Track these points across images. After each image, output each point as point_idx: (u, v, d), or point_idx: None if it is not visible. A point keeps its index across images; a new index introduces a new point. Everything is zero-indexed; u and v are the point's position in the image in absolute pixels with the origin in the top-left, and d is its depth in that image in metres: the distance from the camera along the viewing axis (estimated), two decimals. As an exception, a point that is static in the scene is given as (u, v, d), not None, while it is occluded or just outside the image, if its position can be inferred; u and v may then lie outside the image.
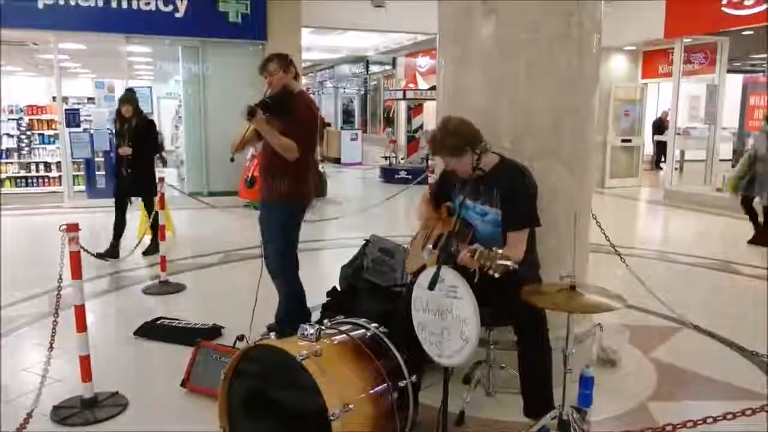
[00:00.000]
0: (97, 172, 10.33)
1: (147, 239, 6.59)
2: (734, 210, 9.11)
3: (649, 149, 15.45)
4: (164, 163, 13.73)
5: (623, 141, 12.63)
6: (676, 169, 11.56)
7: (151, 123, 6.64)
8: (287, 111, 3.58)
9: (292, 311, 3.82)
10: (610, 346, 3.72)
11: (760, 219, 7.18)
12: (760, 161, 6.83)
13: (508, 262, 2.37)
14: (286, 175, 3.64)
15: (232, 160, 3.72)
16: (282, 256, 3.77)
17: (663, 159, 14.72)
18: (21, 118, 11.61)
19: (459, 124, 2.79)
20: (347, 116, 24.63)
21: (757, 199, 7.07)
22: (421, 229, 3.17)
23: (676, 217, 9.69)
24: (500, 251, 2.42)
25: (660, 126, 15.26)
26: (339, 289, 4.23)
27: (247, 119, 3.42)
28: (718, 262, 6.43)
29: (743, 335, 4.14)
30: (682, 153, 12.63)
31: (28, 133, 11.61)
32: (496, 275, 2.37)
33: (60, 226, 3.08)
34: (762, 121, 7.57)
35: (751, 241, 7.13)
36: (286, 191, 3.67)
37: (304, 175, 3.73)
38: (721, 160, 11.30)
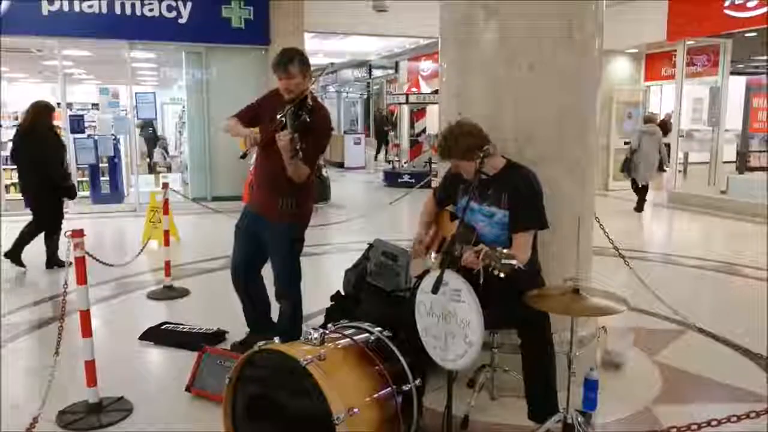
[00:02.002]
0: (101, 178, 10.38)
1: (153, 244, 6.62)
2: (738, 212, 9.11)
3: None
4: (169, 169, 13.79)
5: (626, 143, 12.60)
6: (679, 171, 11.52)
7: None
8: (308, 129, 3.27)
9: (296, 320, 3.74)
10: (615, 349, 3.71)
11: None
12: (635, 152, 9.44)
13: (514, 261, 2.37)
14: (295, 193, 3.43)
15: (243, 156, 3.41)
16: (291, 273, 3.63)
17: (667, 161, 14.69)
18: (26, 125, 11.65)
19: (466, 129, 2.81)
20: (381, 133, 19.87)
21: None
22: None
23: (680, 220, 9.67)
24: (505, 250, 2.42)
25: (663, 128, 15.24)
26: (343, 293, 4.23)
27: (294, 157, 3.13)
28: (723, 264, 6.41)
29: (748, 338, 4.13)
30: (686, 155, 12.58)
31: (33, 139, 11.64)
32: (502, 275, 2.37)
33: (65, 232, 3.10)
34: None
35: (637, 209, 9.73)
36: (294, 210, 3.47)
37: (311, 190, 3.59)
38: (724, 162, 11.26)
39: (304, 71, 3.29)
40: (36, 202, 5.93)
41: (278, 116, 3.26)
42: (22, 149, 5.94)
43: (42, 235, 5.96)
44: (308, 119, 3.27)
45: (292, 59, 3.26)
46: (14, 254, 5.95)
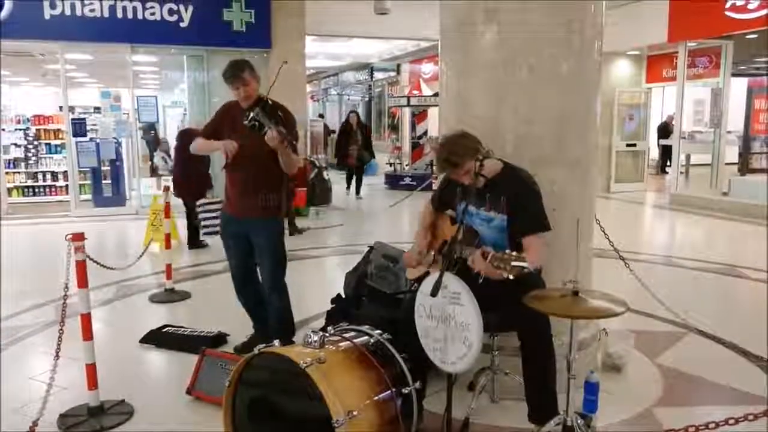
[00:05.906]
0: (103, 181, 10.40)
1: (154, 247, 6.63)
2: (740, 214, 9.09)
3: (654, 153, 15.42)
4: (170, 172, 13.79)
5: (628, 145, 12.61)
6: (681, 173, 11.50)
7: None
8: (283, 123, 3.44)
9: (287, 321, 3.80)
10: (616, 351, 3.71)
11: None
12: None
13: (524, 263, 2.37)
14: (276, 188, 3.62)
15: (225, 166, 3.65)
16: (278, 270, 3.73)
17: (668, 163, 14.69)
18: (28, 128, 11.71)
19: (456, 140, 2.81)
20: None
21: None
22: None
23: (682, 222, 9.66)
24: (514, 253, 2.42)
25: (665, 130, 15.22)
26: (343, 296, 4.23)
27: (288, 147, 3.33)
28: (724, 266, 6.40)
29: (748, 340, 4.12)
30: (688, 157, 12.59)
31: (35, 142, 11.72)
32: (511, 277, 2.37)
33: (66, 236, 3.11)
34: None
35: None
36: (275, 204, 3.64)
37: (282, 183, 3.70)
38: (726, 164, 11.25)
39: (255, 76, 3.54)
40: None
41: (245, 122, 3.41)
42: None
43: None
44: (280, 114, 3.48)
45: (243, 68, 3.51)
46: None
